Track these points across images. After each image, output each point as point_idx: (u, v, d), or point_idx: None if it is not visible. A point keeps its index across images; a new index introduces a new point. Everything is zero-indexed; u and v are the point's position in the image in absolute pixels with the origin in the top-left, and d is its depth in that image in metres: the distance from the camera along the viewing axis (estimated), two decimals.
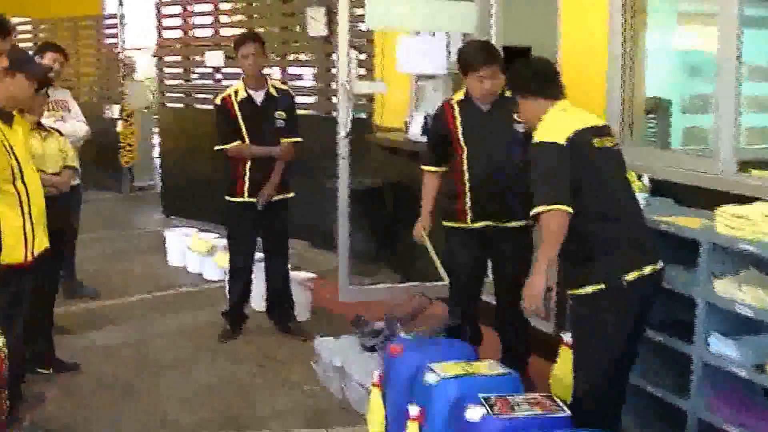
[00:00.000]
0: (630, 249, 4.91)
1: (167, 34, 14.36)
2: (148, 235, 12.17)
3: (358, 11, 8.37)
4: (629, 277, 4.84)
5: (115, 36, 16.54)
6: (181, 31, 14.08)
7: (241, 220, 7.98)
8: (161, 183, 14.97)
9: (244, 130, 7.79)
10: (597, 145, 4.95)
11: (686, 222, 5.38)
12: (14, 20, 17.79)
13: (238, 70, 12.32)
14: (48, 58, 8.72)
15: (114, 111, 16.28)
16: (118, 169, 16.39)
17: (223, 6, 13.71)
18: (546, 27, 7.58)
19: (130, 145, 15.60)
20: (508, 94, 6.10)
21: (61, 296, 8.25)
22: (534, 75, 5.25)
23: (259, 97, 7.83)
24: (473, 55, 6.29)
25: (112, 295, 9.64)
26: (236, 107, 7.80)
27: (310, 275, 9.01)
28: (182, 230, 11.33)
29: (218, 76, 13.40)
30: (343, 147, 7.77)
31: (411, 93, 10.03)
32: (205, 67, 13.52)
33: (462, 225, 6.49)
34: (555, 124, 4.99)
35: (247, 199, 7.88)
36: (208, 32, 13.69)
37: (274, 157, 7.83)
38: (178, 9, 14.11)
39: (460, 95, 6.49)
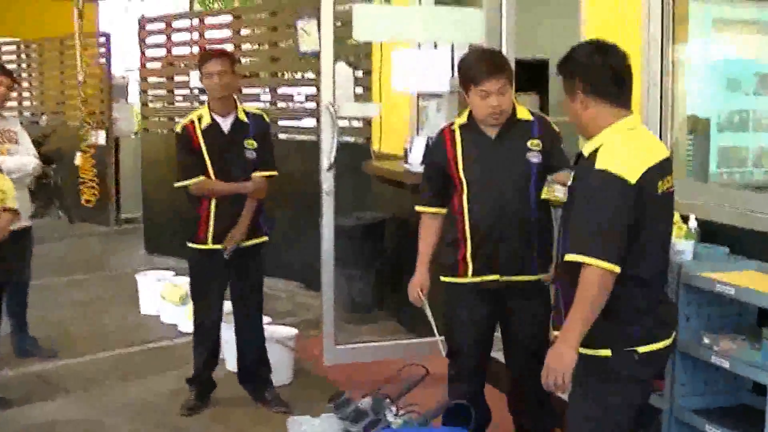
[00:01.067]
0: (651, 318, 4.14)
1: (151, 53, 13.68)
2: (127, 277, 11.14)
3: None
4: (642, 350, 4.09)
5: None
6: (165, 50, 13.27)
7: (206, 271, 6.98)
8: (143, 217, 14.16)
9: (208, 162, 6.78)
10: (659, 190, 4.06)
11: (750, 281, 4.62)
12: None
13: None
14: None
15: (100, 137, 15.31)
16: (104, 200, 15.44)
17: (210, 21, 12.91)
18: (564, 37, 6.65)
19: (91, 180, 14.39)
20: (521, 115, 5.40)
21: (11, 356, 7.89)
22: (607, 68, 4.12)
23: (226, 123, 6.81)
24: (475, 65, 5.29)
25: (73, 352, 8.61)
26: (199, 136, 6.78)
27: (292, 332, 7.96)
28: (157, 274, 10.38)
29: (204, 98, 12.15)
30: (327, 181, 6.97)
31: (411, 115, 9.19)
32: (190, 88, 12.66)
33: (462, 280, 5.48)
34: (627, 153, 4.01)
35: (212, 246, 6.87)
36: (193, 50, 12.83)
37: (245, 195, 6.83)
38: (161, 25, 13.39)
39: (462, 119, 5.50)
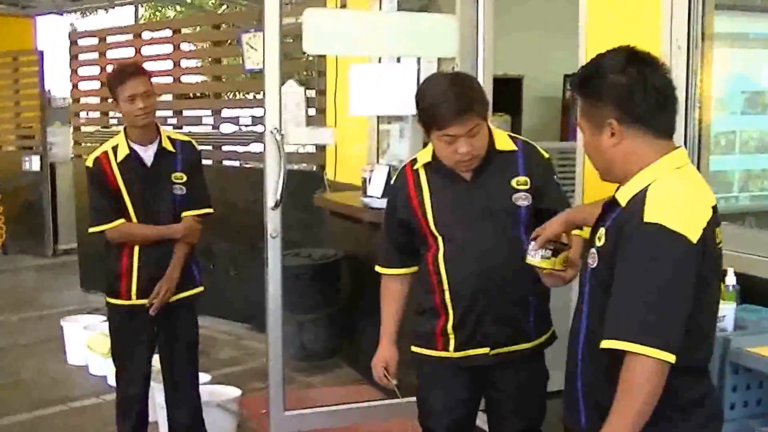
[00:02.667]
0: (703, 413, 3.19)
1: (83, 71, 12.75)
2: (55, 318, 10.14)
3: None
4: None
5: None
6: (99, 68, 12.17)
7: (129, 332, 5.96)
8: (78, 251, 13.12)
9: (128, 202, 5.76)
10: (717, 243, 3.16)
11: None
12: None
13: (166, 113, 10.81)
14: None
15: (34, 163, 14.77)
16: (41, 230, 14.80)
17: (146, 35, 12.01)
18: (540, 52, 5.76)
19: None
20: (501, 146, 4.35)
21: None
22: (651, 89, 3.12)
23: (148, 154, 5.78)
24: (436, 105, 4.14)
25: None
26: (115, 170, 5.74)
27: (234, 393, 7.07)
28: (85, 320, 9.44)
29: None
30: (272, 221, 5.92)
31: (371, 140, 8.43)
32: None
33: (442, 354, 4.45)
34: (685, 202, 3.06)
35: (136, 302, 5.85)
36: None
37: (173, 240, 5.85)
38: (95, 41, 12.46)
39: (426, 155, 4.43)
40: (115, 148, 5.73)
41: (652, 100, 3.09)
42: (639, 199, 3.01)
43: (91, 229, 5.86)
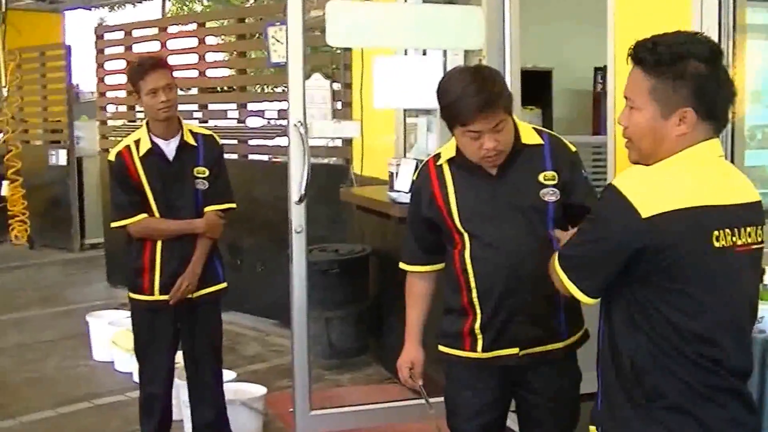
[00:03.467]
0: None
1: (110, 65, 12.77)
2: (81, 314, 10.08)
3: None
4: None
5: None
6: (125, 61, 12.16)
7: (152, 328, 5.91)
8: (105, 245, 13.12)
9: (150, 197, 5.70)
10: (720, 244, 3.06)
11: None
12: None
13: (191, 107, 10.73)
14: None
15: (61, 157, 14.68)
16: (68, 224, 14.71)
17: (172, 29, 11.95)
18: (571, 44, 5.62)
19: (22, 213, 13.42)
20: (527, 139, 4.19)
21: None
22: (728, 83, 3.13)
23: (170, 148, 5.72)
24: (459, 101, 3.98)
25: (3, 412, 7.57)
26: (137, 165, 5.69)
27: (260, 391, 6.95)
28: (111, 315, 9.38)
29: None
30: (297, 216, 5.78)
31: (397, 133, 8.29)
32: None
33: (470, 355, 4.31)
34: (654, 180, 3.09)
35: (158, 297, 5.80)
36: None
37: (196, 235, 5.80)
38: (120, 35, 12.47)
39: (450, 150, 4.27)
40: (137, 142, 5.69)
41: (727, 97, 3.08)
42: None
43: (113, 224, 5.85)
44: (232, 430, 6.20)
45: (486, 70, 4.27)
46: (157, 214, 5.69)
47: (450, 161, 4.23)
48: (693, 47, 3.04)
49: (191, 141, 5.73)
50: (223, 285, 5.97)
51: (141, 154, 5.65)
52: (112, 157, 5.77)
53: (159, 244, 5.73)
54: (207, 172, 5.74)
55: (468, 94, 3.93)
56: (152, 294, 5.77)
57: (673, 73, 3.00)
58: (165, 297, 5.73)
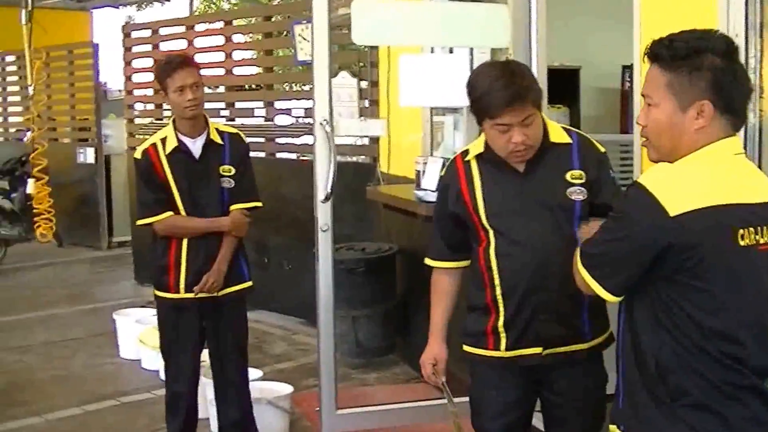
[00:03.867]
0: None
1: (137, 64, 12.76)
2: (108, 312, 10.05)
3: None
4: None
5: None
6: (152, 60, 12.11)
7: (178, 326, 5.90)
8: (132, 243, 13.08)
9: (176, 195, 5.70)
10: (745, 242, 3.04)
11: None
12: None
13: (218, 105, 10.73)
14: None
15: (89, 155, 14.67)
16: (95, 222, 14.73)
17: (200, 27, 11.96)
18: (598, 42, 5.60)
19: (47, 211, 13.39)
20: (555, 138, 4.18)
21: None
22: (745, 78, 3.15)
23: (196, 146, 5.73)
24: (488, 93, 3.98)
25: (30, 409, 7.56)
26: (164, 162, 5.69)
27: (286, 390, 6.92)
28: (138, 313, 9.36)
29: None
30: (323, 215, 5.74)
31: (424, 132, 8.20)
32: None
33: (493, 354, 4.28)
34: (680, 177, 3.08)
35: (183, 295, 5.78)
36: None
37: (221, 233, 5.80)
38: (147, 33, 12.50)
39: (478, 146, 4.27)
40: (163, 140, 5.70)
41: (744, 92, 3.08)
42: None
43: (139, 222, 5.87)
44: (258, 428, 6.17)
45: (515, 64, 4.30)
46: (183, 212, 5.69)
47: (478, 157, 4.22)
48: (709, 42, 3.04)
49: (217, 139, 5.73)
50: (249, 284, 5.96)
51: (167, 151, 5.65)
52: (138, 154, 5.76)
53: (185, 242, 5.73)
54: (233, 171, 5.73)
55: (497, 87, 3.94)
56: (177, 292, 5.76)
57: (690, 67, 3.00)
58: (190, 295, 5.72)
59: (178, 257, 5.75)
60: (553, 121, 4.30)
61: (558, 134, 4.18)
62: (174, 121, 5.74)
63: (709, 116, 2.98)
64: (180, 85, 5.54)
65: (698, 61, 2.99)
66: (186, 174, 5.68)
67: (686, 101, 3.00)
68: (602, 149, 4.24)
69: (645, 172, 3.11)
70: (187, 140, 5.67)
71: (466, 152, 4.33)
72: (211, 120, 5.86)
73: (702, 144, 3.01)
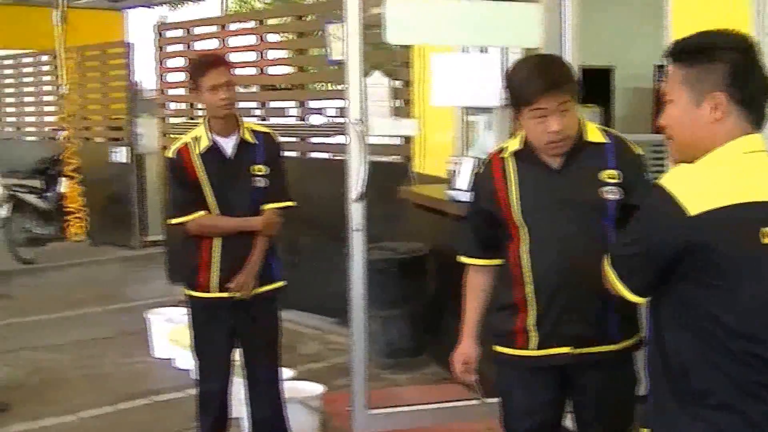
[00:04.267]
0: None
1: (170, 63, 12.84)
2: (140, 310, 10.05)
3: None
4: None
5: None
6: (185, 59, 12.23)
7: (210, 325, 5.89)
8: (165, 242, 13.06)
9: (208, 194, 5.68)
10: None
11: None
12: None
13: (251, 104, 10.73)
14: None
15: (122, 154, 14.64)
16: (128, 222, 14.70)
17: (233, 27, 11.99)
18: (631, 42, 5.56)
19: (79, 210, 13.43)
20: (591, 137, 4.18)
21: None
22: (761, 71, 3.04)
23: (228, 145, 5.71)
24: (526, 79, 4.06)
25: (59, 408, 7.59)
26: (196, 162, 5.67)
27: (318, 389, 6.93)
28: (169, 312, 9.36)
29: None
30: (355, 214, 5.81)
31: (457, 132, 8.18)
32: None
33: (522, 353, 4.27)
34: (701, 175, 3.01)
35: (215, 294, 5.77)
36: None
37: (253, 233, 5.78)
38: (180, 32, 12.56)
39: (515, 143, 4.27)
40: (196, 140, 5.69)
41: (762, 88, 3.00)
42: None
43: (171, 221, 5.88)
44: (289, 428, 6.15)
45: (552, 56, 4.53)
46: (215, 212, 5.67)
47: (514, 154, 4.23)
48: (726, 38, 3.02)
49: (250, 139, 5.71)
50: (280, 284, 5.93)
51: (200, 151, 5.64)
52: (171, 154, 5.75)
53: (216, 241, 5.71)
54: (265, 170, 5.71)
55: (535, 73, 4.03)
56: (209, 291, 5.75)
57: (704, 59, 2.98)
58: (222, 294, 5.71)
59: (210, 257, 5.74)
60: (591, 122, 4.30)
61: (595, 134, 4.18)
62: (207, 120, 5.73)
63: (725, 108, 2.94)
64: (213, 83, 5.53)
65: (713, 54, 2.96)
66: (218, 173, 5.67)
67: (700, 94, 2.97)
68: (639, 151, 4.22)
69: (666, 174, 3.07)
70: (219, 139, 5.66)
71: (503, 149, 4.34)
72: (244, 119, 5.85)
73: (721, 139, 2.96)
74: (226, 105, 5.57)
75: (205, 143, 5.64)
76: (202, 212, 5.66)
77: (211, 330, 5.87)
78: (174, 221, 5.80)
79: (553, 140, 4.02)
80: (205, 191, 5.66)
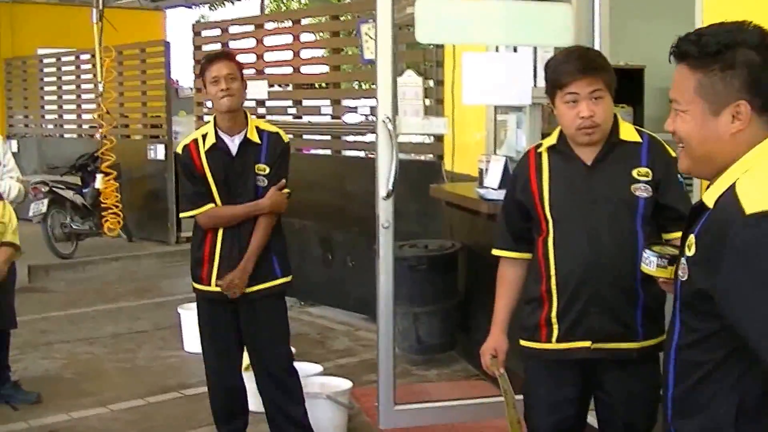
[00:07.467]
0: None
1: None
2: (173, 305, 10.07)
3: None
4: None
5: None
6: None
7: (214, 318, 5.99)
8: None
9: (213, 189, 5.79)
10: None
11: None
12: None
13: (286, 103, 10.78)
14: None
15: (159, 151, 14.72)
16: (164, 218, 14.74)
17: (269, 26, 12.08)
18: (663, 42, 5.50)
19: (115, 206, 13.49)
20: (625, 135, 4.23)
21: (27, 406, 7.27)
22: None
23: (233, 143, 5.78)
24: (561, 62, 4.18)
25: (92, 400, 7.64)
26: (202, 158, 5.76)
27: (346, 385, 6.89)
28: None
29: (261, 110, 11.69)
30: (384, 211, 5.71)
31: (488, 130, 8.14)
32: (247, 99, 11.34)
33: (545, 346, 4.30)
34: None
35: (216, 288, 5.87)
36: (250, 58, 11.76)
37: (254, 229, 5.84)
38: (217, 32, 12.64)
39: (551, 139, 4.34)
40: (204, 136, 5.76)
41: None
42: (729, 194, 2.55)
43: (182, 214, 5.96)
44: (310, 422, 6.17)
45: (591, 48, 4.67)
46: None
47: (550, 149, 4.29)
48: (742, 34, 2.67)
49: (255, 138, 5.76)
50: (282, 280, 5.95)
51: (206, 148, 5.72)
52: (179, 149, 5.86)
53: (219, 235, 5.78)
54: (268, 170, 5.77)
55: (570, 58, 4.15)
56: (209, 284, 5.82)
57: (721, 64, 2.63)
58: (219, 288, 5.78)
59: (213, 249, 5.81)
60: (627, 122, 4.35)
61: (629, 133, 4.23)
62: (215, 118, 5.80)
63: (747, 118, 2.62)
64: (215, 75, 5.61)
65: (730, 58, 2.62)
66: (223, 170, 5.74)
67: (719, 104, 2.65)
68: (673, 153, 4.18)
69: (744, 196, 2.51)
70: (225, 137, 5.73)
71: (539, 145, 4.40)
72: (252, 118, 5.91)
73: (744, 150, 2.63)
74: (226, 96, 5.61)
75: (210, 141, 5.72)
76: (211, 205, 5.74)
77: (216, 323, 5.94)
78: (184, 214, 5.89)
79: (582, 126, 4.06)
80: (210, 186, 5.74)
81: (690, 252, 2.68)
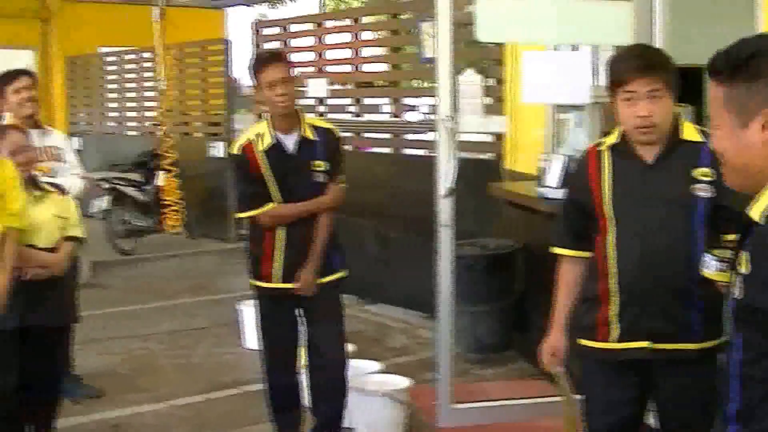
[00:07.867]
0: None
1: None
2: (231, 302, 10.07)
3: None
4: None
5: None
6: None
7: (275, 315, 6.05)
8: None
9: (272, 189, 5.83)
10: None
11: None
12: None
13: (345, 101, 10.80)
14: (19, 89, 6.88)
15: (219, 149, 14.68)
16: (224, 215, 14.61)
17: (328, 24, 12.05)
18: (723, 42, 5.43)
19: (176, 203, 13.56)
20: (687, 136, 4.18)
21: (88, 401, 7.36)
22: None
23: (290, 142, 5.84)
24: (621, 60, 4.20)
25: (149, 395, 7.71)
26: (260, 158, 5.81)
27: (403, 383, 6.86)
28: None
29: (321, 108, 11.71)
30: (444, 210, 5.80)
31: (548, 129, 8.15)
32: (307, 97, 11.44)
33: (602, 345, 4.27)
34: None
35: (279, 285, 5.93)
36: (310, 56, 11.85)
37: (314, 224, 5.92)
38: (277, 30, 12.70)
39: (613, 138, 4.31)
40: (259, 136, 5.80)
41: None
42: None
43: (240, 215, 6.02)
44: (344, 418, 6.20)
45: (653, 46, 4.68)
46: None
47: (611, 148, 4.26)
48: (764, 43, 2.61)
49: (310, 135, 5.81)
50: (340, 274, 6.03)
51: (263, 147, 5.76)
52: (235, 150, 5.88)
53: (280, 233, 5.84)
54: (325, 166, 5.83)
55: (632, 55, 4.19)
56: (271, 281, 5.87)
57: (747, 75, 2.55)
58: (285, 285, 5.83)
59: (273, 247, 5.86)
60: (690, 123, 4.32)
61: (691, 133, 4.19)
62: (270, 117, 5.84)
63: None
64: (271, 79, 5.64)
65: (755, 67, 2.53)
66: (281, 169, 5.79)
67: (747, 115, 2.55)
68: None
69: None
70: (281, 136, 5.78)
71: (599, 143, 4.39)
72: (306, 115, 5.97)
73: None
74: (283, 101, 5.67)
75: (268, 141, 5.76)
76: (271, 204, 5.78)
77: (277, 319, 6.00)
78: (242, 215, 5.95)
79: (640, 125, 4.05)
80: (269, 186, 5.78)
81: (743, 269, 2.58)
